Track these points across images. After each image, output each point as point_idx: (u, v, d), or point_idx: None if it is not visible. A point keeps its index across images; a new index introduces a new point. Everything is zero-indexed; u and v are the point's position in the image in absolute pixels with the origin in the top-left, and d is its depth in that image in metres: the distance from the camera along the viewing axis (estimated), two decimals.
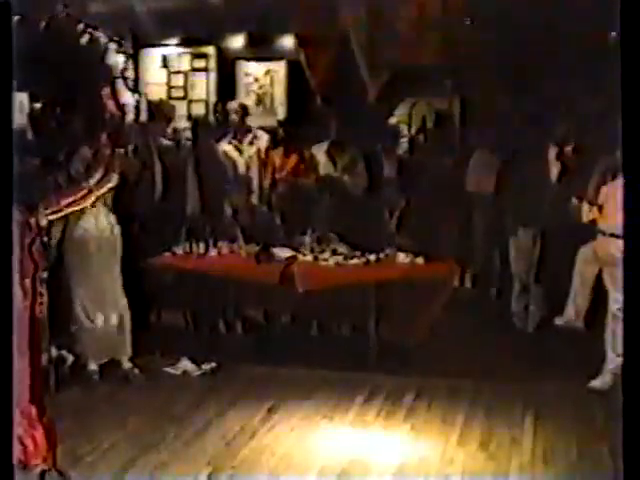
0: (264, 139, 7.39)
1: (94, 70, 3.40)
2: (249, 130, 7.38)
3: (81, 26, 3.30)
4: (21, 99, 6.85)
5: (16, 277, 3.69)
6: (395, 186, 7.43)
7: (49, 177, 4.08)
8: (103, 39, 3.35)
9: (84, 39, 3.26)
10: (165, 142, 7.18)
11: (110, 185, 3.55)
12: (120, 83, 3.43)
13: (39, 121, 6.73)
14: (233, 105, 7.36)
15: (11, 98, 2.98)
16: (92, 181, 3.48)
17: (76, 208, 3.56)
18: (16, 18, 3.23)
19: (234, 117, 7.27)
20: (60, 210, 3.51)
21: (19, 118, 6.82)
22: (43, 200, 3.49)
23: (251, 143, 7.39)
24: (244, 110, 7.36)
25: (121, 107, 3.44)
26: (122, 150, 3.52)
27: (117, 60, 3.40)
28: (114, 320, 5.93)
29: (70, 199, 3.49)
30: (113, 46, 3.38)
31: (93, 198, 3.55)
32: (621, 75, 2.72)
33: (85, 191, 3.47)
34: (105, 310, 5.90)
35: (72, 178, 3.41)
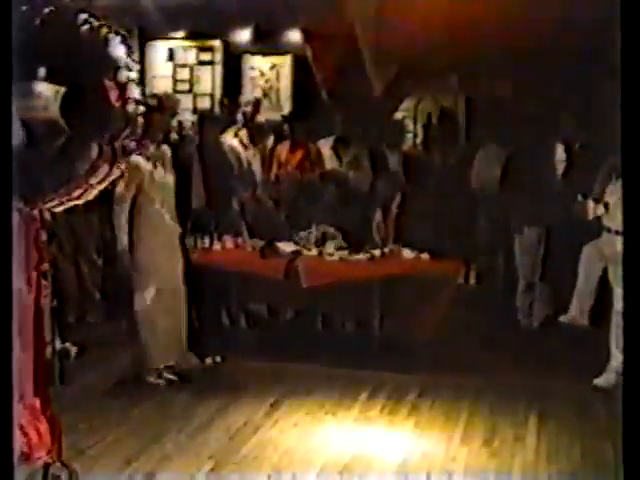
0: (270, 137, 7.38)
1: (99, 62, 3.40)
2: (261, 127, 7.37)
3: (84, 16, 3.30)
4: (58, 90, 7.00)
5: (20, 270, 3.68)
6: (400, 182, 7.42)
7: (55, 170, 4.08)
8: (106, 31, 3.34)
9: (86, 29, 3.25)
10: (170, 135, 7.18)
11: (112, 178, 3.54)
12: (123, 75, 3.42)
13: (70, 113, 6.84)
14: (248, 98, 7.34)
15: (11, 90, 2.98)
16: (94, 179, 3.48)
17: (79, 202, 3.56)
18: (23, 8, 3.24)
19: (246, 110, 7.26)
20: (62, 203, 3.51)
21: (54, 110, 6.96)
22: (47, 193, 3.50)
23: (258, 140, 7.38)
24: (257, 106, 7.35)
25: (125, 100, 3.43)
26: (129, 144, 3.51)
27: (120, 52, 3.39)
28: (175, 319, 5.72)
29: (72, 194, 3.49)
30: (117, 38, 3.37)
31: (95, 192, 3.54)
32: (621, 75, 2.71)
33: (87, 186, 3.47)
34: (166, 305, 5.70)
35: (76, 173, 3.39)
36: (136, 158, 5.30)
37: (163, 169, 5.53)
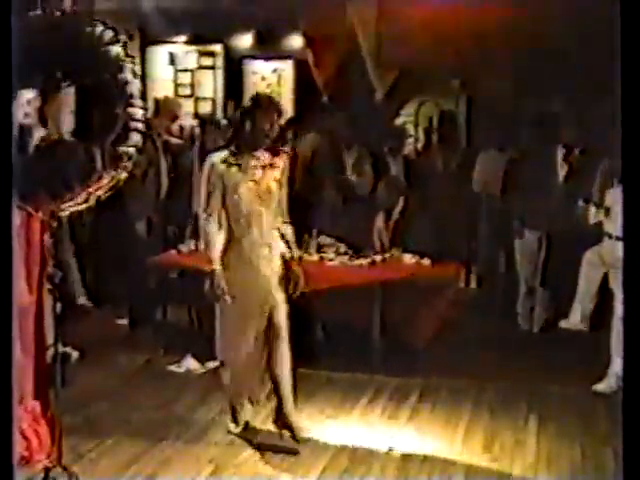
0: None
1: (102, 67, 3.42)
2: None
3: (88, 20, 3.32)
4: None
5: (21, 273, 3.69)
6: (401, 186, 7.43)
7: (60, 174, 4.07)
8: (110, 35, 3.35)
9: (91, 33, 3.27)
10: (171, 139, 7.19)
11: (113, 184, 3.55)
12: (126, 79, 3.44)
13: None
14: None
15: (11, 93, 2.99)
16: (97, 185, 3.49)
17: (81, 208, 3.58)
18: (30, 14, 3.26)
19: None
20: (65, 209, 3.53)
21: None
22: (52, 196, 3.51)
23: None
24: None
25: (128, 104, 3.44)
26: (129, 149, 3.52)
27: (123, 56, 3.41)
28: None
29: (76, 200, 3.50)
30: (120, 42, 3.39)
31: (97, 196, 3.55)
32: (621, 79, 2.72)
33: (90, 192, 3.48)
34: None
35: (80, 178, 3.40)
36: (218, 163, 4.49)
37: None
